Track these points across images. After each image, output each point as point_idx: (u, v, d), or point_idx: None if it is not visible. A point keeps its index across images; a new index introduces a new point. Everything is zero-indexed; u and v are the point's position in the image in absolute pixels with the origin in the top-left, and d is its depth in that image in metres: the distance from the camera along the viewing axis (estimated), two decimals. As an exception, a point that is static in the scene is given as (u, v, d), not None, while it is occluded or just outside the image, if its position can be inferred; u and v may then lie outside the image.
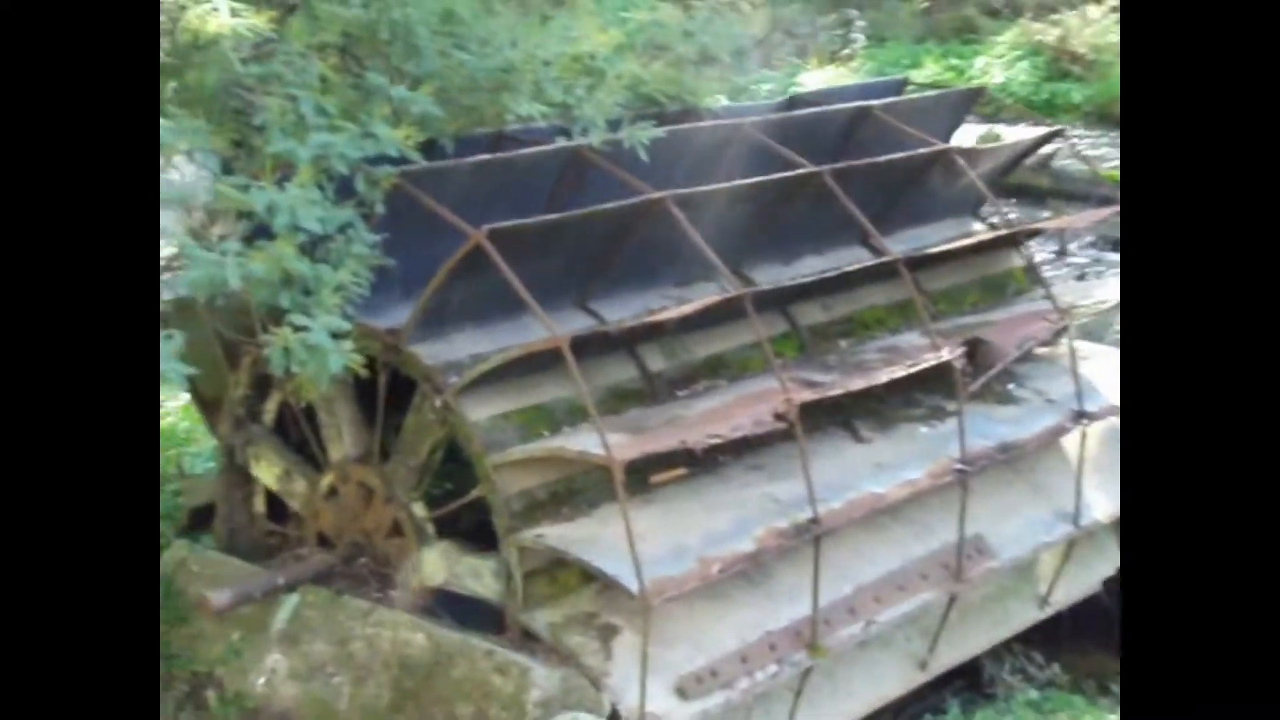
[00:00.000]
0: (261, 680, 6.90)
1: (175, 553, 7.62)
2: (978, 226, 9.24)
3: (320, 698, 6.74)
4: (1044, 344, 8.60)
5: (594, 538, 6.45)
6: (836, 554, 7.35)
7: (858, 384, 7.23)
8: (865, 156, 8.25)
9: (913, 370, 7.38)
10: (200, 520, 8.20)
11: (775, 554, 6.79)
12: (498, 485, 6.53)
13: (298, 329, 5.76)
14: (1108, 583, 8.78)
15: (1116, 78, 20.84)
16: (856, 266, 7.79)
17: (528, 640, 6.55)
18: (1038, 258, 13.39)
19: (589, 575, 6.57)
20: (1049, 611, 8.41)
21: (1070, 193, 17.35)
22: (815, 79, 23.63)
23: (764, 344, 6.83)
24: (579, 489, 6.75)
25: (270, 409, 7.61)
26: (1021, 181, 17.29)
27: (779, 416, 6.67)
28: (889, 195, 8.51)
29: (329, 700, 6.71)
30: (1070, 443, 8.47)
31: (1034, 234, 9.25)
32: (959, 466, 7.41)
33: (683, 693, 6.43)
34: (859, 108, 8.72)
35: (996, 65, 22.24)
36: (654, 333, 7.11)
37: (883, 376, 7.33)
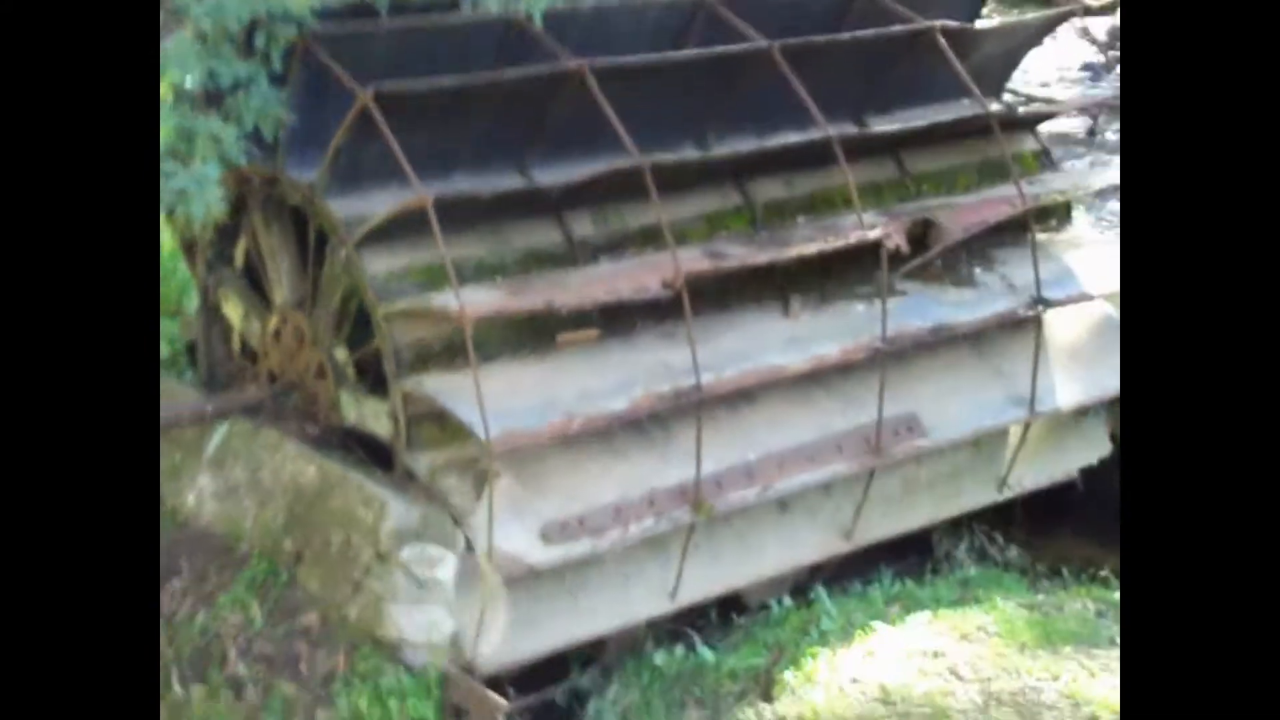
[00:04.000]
0: (191, 497, 7.40)
1: (146, 376, 8.18)
2: (995, 109, 9.02)
3: (232, 517, 7.20)
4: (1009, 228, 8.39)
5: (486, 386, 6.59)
6: (751, 421, 7.52)
7: (760, 259, 7.32)
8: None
9: (823, 249, 7.40)
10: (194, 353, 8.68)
11: (650, 415, 6.99)
12: (388, 334, 6.80)
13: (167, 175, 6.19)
14: (1085, 471, 8.76)
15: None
16: (771, 146, 7.83)
17: (410, 479, 6.84)
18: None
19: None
20: (1008, 494, 8.41)
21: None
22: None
23: (660, 216, 6.92)
24: (479, 341, 6.79)
25: (239, 252, 7.95)
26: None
27: (667, 285, 6.82)
28: (872, 73, 8.41)
29: (238, 520, 7.17)
30: (1054, 326, 8.39)
31: (1020, 121, 8.99)
32: (878, 345, 7.43)
33: (546, 537, 6.68)
34: None
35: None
36: (534, 199, 7.23)
37: (792, 252, 7.39)
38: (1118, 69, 17.90)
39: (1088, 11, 20.20)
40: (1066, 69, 17.48)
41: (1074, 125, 15.76)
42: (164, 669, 6.71)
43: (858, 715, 6.41)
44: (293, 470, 7.05)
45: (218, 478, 7.36)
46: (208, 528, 7.26)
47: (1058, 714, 6.23)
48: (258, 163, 7.15)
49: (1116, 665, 6.61)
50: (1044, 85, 17.08)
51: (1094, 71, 17.94)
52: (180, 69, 6.31)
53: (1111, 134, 15.35)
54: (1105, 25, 19.19)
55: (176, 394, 7.95)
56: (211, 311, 8.16)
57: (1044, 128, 14.27)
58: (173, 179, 6.26)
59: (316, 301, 7.36)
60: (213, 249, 7.99)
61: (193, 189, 6.20)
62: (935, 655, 6.79)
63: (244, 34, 6.60)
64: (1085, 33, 19.28)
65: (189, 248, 8.24)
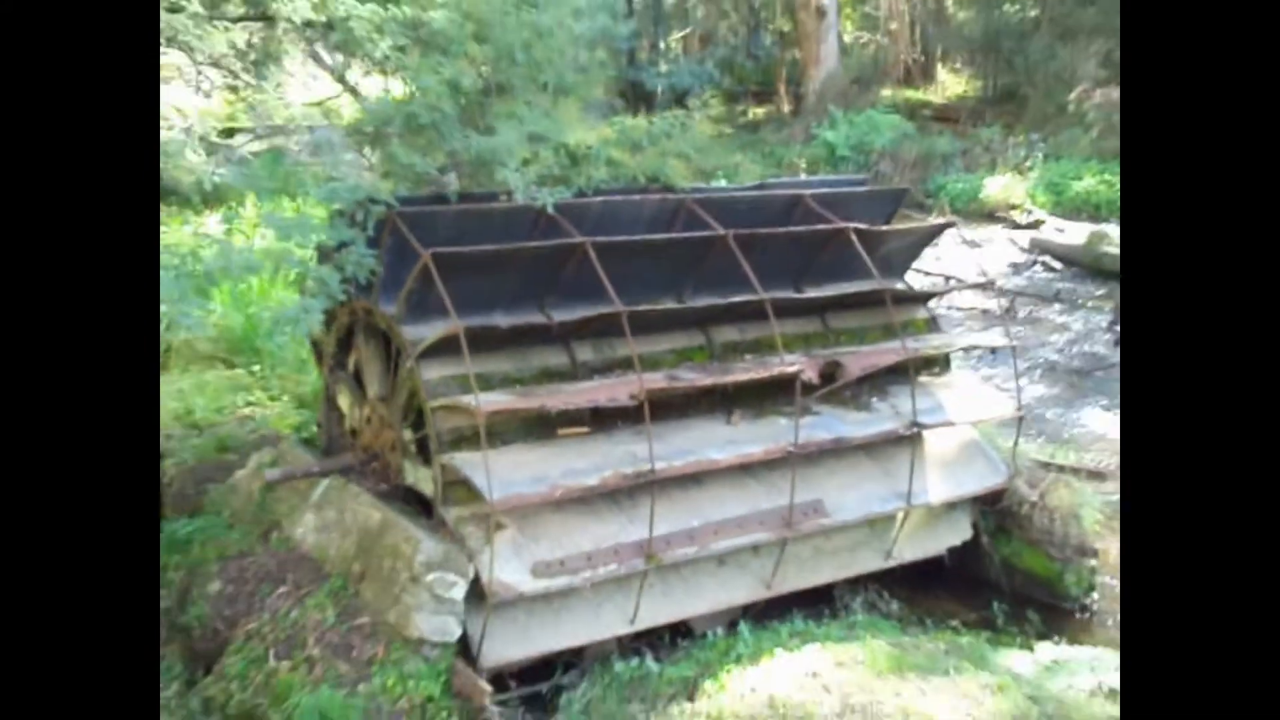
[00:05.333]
0: (300, 530, 7.50)
1: (283, 445, 8.38)
2: (899, 286, 9.07)
3: (323, 546, 7.30)
4: (899, 371, 8.34)
5: (496, 463, 6.66)
6: (696, 498, 7.52)
7: (706, 381, 7.39)
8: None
9: (754, 377, 7.49)
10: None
11: (617, 489, 6.99)
12: (433, 422, 6.95)
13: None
14: (952, 549, 8.66)
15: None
16: (726, 303, 7.77)
17: (443, 523, 6.90)
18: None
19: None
20: (892, 563, 8.30)
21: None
22: (997, 183, 23.04)
23: (633, 348, 7.04)
24: (499, 431, 7.06)
25: (351, 360, 8.11)
26: (1114, 269, 16.69)
27: (633, 397, 6.94)
28: (807, 258, 8.47)
29: (326, 547, 7.26)
30: (929, 442, 8.37)
31: (911, 296, 8.98)
32: (791, 448, 7.48)
33: (535, 572, 6.74)
34: (793, 195, 8.68)
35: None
36: (543, 332, 7.30)
37: (731, 378, 7.47)
38: (1034, 266, 17.95)
39: (1016, 226, 20.42)
40: (1000, 264, 17.62)
41: (994, 304, 15.69)
42: (265, 649, 6.77)
43: (750, 714, 6.36)
44: (364, 515, 7.13)
45: (318, 517, 7.45)
46: (308, 552, 7.34)
47: (890, 719, 6.17)
48: (361, 299, 7.45)
49: (947, 689, 6.53)
50: (982, 274, 17.14)
51: (1016, 268, 18.00)
52: (303, 236, 6.64)
53: (1024, 312, 15.35)
54: (1026, 237, 19.28)
55: (300, 457, 8.11)
56: (331, 401, 8.32)
57: (968, 303, 14.26)
58: (292, 309, 6.57)
59: (393, 396, 7.52)
60: (334, 358, 8.18)
61: (301, 315, 6.47)
62: (814, 675, 6.68)
63: (351, 212, 6.93)
64: (1013, 242, 19.37)
65: (319, 356, 8.47)
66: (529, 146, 7.35)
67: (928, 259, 18.78)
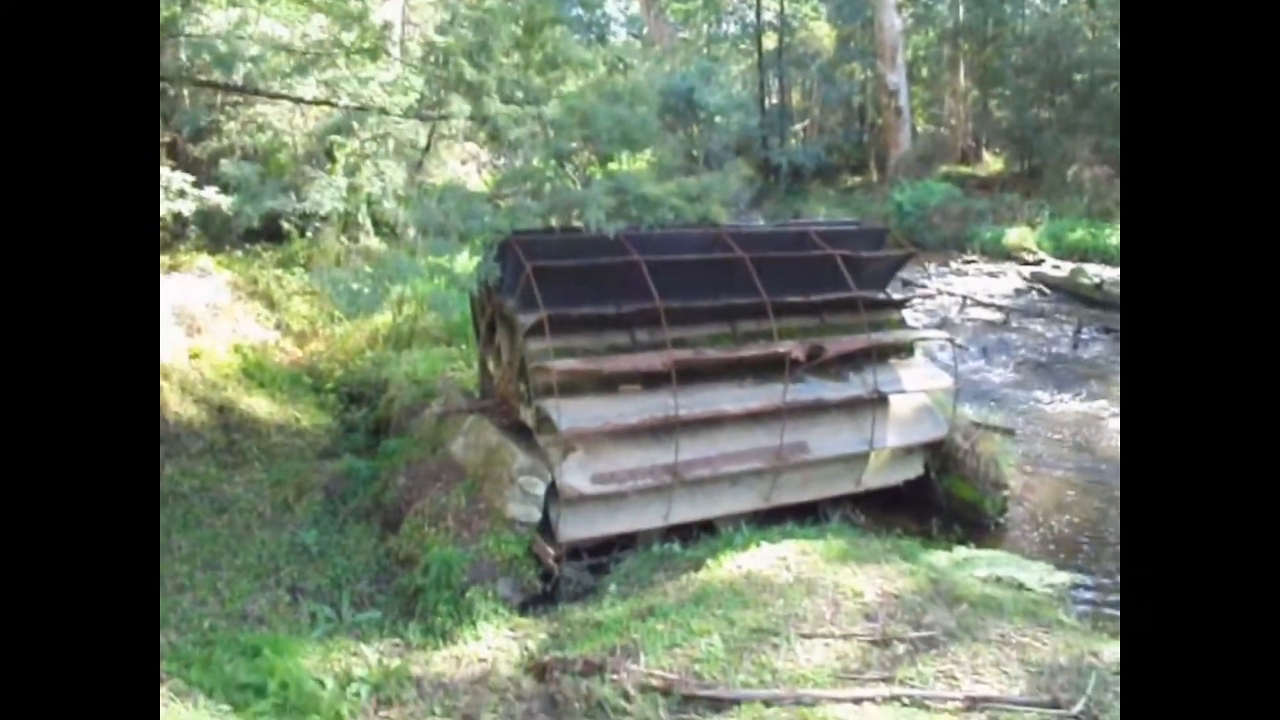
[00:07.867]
0: (454, 447, 7.88)
1: (450, 393, 8.80)
2: (880, 296, 8.84)
3: (466, 457, 7.64)
4: (869, 354, 8.17)
5: (569, 406, 6.97)
6: (717, 437, 7.58)
7: (717, 356, 7.43)
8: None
9: (754, 354, 7.49)
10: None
11: (653, 426, 7.10)
12: (532, 378, 7.23)
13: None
14: (908, 481, 8.46)
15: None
16: (740, 301, 7.70)
17: (536, 445, 7.22)
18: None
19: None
20: (861, 489, 8.15)
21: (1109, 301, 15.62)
22: (1015, 233, 22.06)
23: (666, 333, 7.18)
24: (578, 387, 7.22)
25: (495, 337, 8.30)
26: (1088, 295, 15.84)
27: (664, 365, 7.08)
28: (810, 275, 8.28)
29: (468, 458, 7.62)
30: (892, 404, 8.19)
31: (885, 303, 8.69)
32: (781, 405, 7.48)
33: (595, 480, 6.97)
34: (800, 231, 8.61)
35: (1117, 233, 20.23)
36: (605, 320, 7.37)
37: (740, 354, 7.49)
38: (1030, 292, 17.00)
39: (1024, 264, 19.44)
40: (1008, 289, 16.84)
41: (997, 316, 15.02)
42: (423, 520, 7.21)
43: (729, 580, 6.40)
44: (489, 438, 7.48)
45: (465, 439, 7.82)
46: (457, 462, 7.71)
47: (824, 587, 6.11)
48: (498, 297, 7.80)
49: (874, 572, 6.39)
50: (991, 295, 16.48)
51: (1018, 292, 17.13)
52: (450, 253, 7.03)
53: (1016, 323, 14.64)
54: (1029, 271, 18.32)
55: (459, 400, 8.55)
56: (483, 365, 8.62)
57: (979, 315, 13.48)
58: (438, 298, 6.98)
59: (513, 361, 7.79)
60: (484, 336, 8.46)
61: (453, 303, 6.87)
62: (782, 559, 6.66)
63: (486, 240, 7.29)
64: (1020, 274, 18.43)
65: (478, 335, 8.83)
66: (614, 195, 7.53)
67: (954, 281, 18.19)
